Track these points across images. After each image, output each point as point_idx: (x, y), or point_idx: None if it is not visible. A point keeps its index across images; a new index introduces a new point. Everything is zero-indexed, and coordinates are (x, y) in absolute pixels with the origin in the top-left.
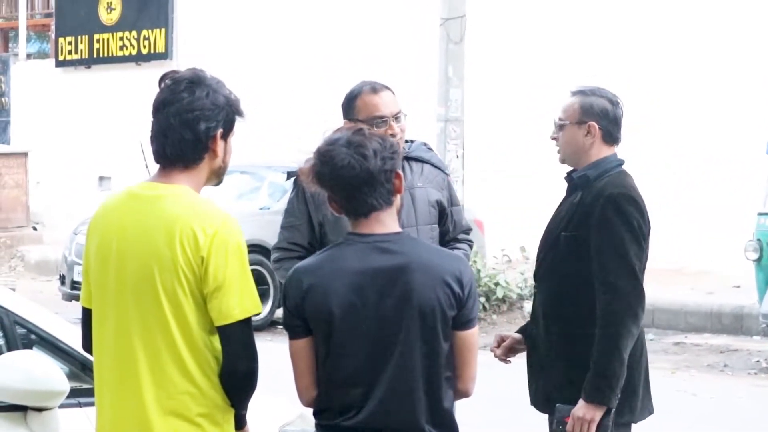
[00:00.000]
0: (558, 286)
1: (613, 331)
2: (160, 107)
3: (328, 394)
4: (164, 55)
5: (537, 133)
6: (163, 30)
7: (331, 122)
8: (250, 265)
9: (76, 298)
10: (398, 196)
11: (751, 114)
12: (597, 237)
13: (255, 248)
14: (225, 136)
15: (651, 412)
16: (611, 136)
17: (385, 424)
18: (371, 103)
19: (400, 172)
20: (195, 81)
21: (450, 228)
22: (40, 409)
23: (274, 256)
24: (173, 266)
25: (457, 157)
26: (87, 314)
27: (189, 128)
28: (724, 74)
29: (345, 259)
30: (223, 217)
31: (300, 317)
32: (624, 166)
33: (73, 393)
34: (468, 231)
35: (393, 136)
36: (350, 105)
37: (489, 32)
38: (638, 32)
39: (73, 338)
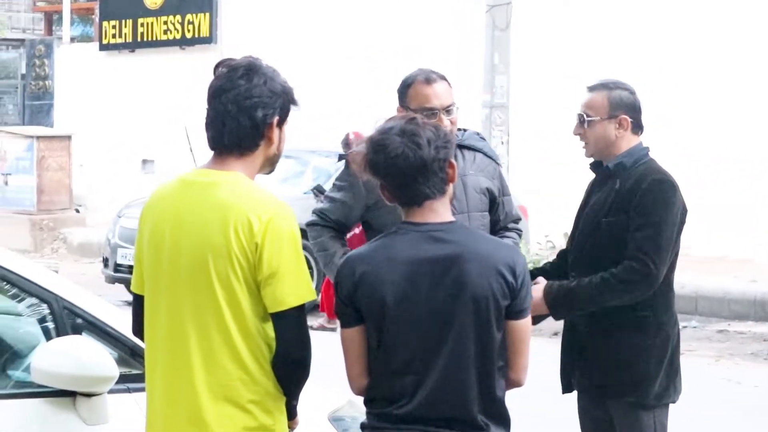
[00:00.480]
0: (599, 271)
1: (615, 287)
2: (216, 94)
3: (379, 383)
4: (208, 40)
5: None
6: (207, 14)
7: (372, 112)
8: None
9: (120, 280)
10: (451, 185)
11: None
12: (636, 219)
13: None
14: (280, 124)
15: (680, 391)
16: (639, 125)
17: (437, 413)
18: (422, 93)
19: (454, 161)
20: (252, 69)
21: (500, 217)
22: (89, 395)
23: (310, 219)
24: (227, 253)
25: (502, 143)
26: (138, 300)
27: (246, 115)
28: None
29: (398, 248)
30: (278, 204)
31: (352, 306)
32: None
33: (123, 378)
34: (518, 220)
35: None
36: (404, 92)
37: (535, 19)
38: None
39: (121, 323)
